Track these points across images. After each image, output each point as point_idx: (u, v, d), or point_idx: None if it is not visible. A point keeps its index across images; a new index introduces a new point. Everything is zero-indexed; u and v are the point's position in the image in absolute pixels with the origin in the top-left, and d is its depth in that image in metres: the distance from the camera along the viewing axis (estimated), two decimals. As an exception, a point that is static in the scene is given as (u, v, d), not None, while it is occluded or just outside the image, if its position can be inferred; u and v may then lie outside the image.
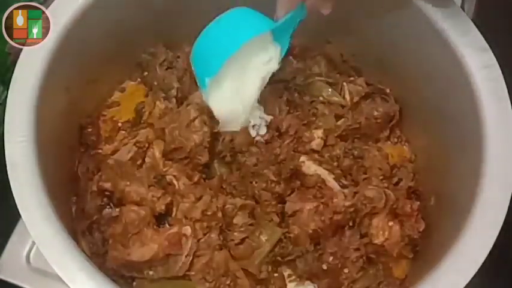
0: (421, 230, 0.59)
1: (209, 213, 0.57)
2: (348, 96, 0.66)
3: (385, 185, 0.60)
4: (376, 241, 0.57)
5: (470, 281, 0.46)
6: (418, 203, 0.60)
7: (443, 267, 0.48)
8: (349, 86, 0.67)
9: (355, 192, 0.58)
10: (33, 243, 0.61)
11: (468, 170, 0.53)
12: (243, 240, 0.58)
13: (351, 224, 0.58)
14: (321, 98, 0.66)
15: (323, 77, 0.68)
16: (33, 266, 0.61)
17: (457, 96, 0.56)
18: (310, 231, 0.57)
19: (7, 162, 0.49)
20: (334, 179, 0.60)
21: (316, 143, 0.62)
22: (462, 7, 0.65)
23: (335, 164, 0.62)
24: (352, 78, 0.69)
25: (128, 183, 0.59)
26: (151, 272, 0.56)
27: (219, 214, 0.57)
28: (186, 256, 0.55)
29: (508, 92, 0.53)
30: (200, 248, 0.56)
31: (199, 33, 0.58)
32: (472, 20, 0.55)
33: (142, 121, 0.68)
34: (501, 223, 0.48)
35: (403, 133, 0.69)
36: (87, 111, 0.67)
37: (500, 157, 0.51)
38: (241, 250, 0.57)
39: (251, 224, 0.58)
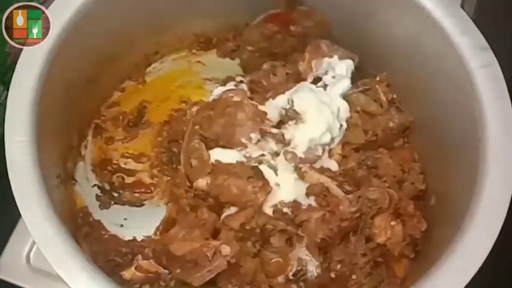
0: (423, 229, 0.58)
1: (247, 227, 0.56)
2: (383, 97, 0.64)
3: (386, 184, 0.59)
4: (378, 240, 0.57)
5: (471, 280, 0.46)
6: (421, 201, 0.60)
7: (444, 267, 0.47)
8: (380, 87, 0.65)
9: (359, 197, 0.57)
10: (33, 243, 0.61)
11: (468, 170, 0.53)
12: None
13: (354, 229, 0.58)
14: (358, 108, 0.64)
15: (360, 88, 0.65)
16: (33, 266, 0.61)
17: (457, 95, 0.56)
18: (319, 241, 0.56)
19: (7, 162, 0.49)
20: (337, 185, 0.58)
21: (335, 159, 0.61)
22: (462, 7, 0.64)
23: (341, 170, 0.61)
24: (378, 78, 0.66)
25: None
26: (178, 270, 0.56)
27: (257, 230, 0.56)
28: (208, 271, 0.54)
29: (508, 91, 0.53)
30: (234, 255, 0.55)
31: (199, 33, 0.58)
32: (472, 19, 0.55)
33: (142, 121, 0.68)
34: (501, 223, 0.48)
35: (403, 133, 0.69)
36: (87, 112, 0.67)
37: (500, 157, 0.50)
38: (272, 267, 0.57)
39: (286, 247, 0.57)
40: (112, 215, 0.65)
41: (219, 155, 0.59)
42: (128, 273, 0.61)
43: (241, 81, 0.65)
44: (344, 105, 0.61)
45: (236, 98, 0.61)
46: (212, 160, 0.59)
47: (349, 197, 0.57)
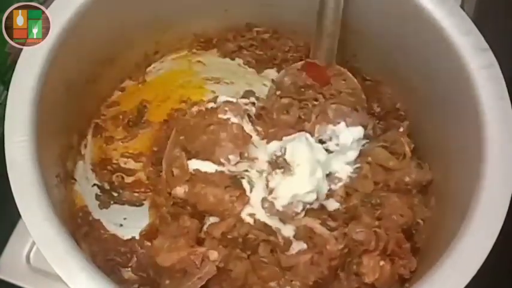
0: (413, 269, 0.56)
1: (229, 236, 0.55)
2: (408, 149, 0.61)
3: (376, 223, 0.57)
4: (366, 280, 0.55)
5: (470, 281, 0.46)
6: (409, 244, 0.58)
7: (443, 267, 0.47)
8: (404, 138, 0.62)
9: (345, 234, 0.56)
10: (33, 243, 0.61)
11: (468, 170, 0.53)
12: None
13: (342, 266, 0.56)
14: (369, 159, 0.61)
15: (381, 142, 0.62)
16: (33, 266, 0.61)
17: (457, 96, 0.56)
18: (311, 283, 0.54)
19: (7, 162, 0.49)
20: (320, 224, 0.56)
21: (336, 200, 0.59)
22: (462, 7, 0.65)
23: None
24: (401, 130, 0.63)
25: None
26: (167, 282, 0.55)
27: (240, 240, 0.55)
28: (198, 278, 0.53)
29: (508, 92, 0.53)
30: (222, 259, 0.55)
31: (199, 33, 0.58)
32: (472, 20, 0.55)
33: (142, 121, 0.68)
34: (501, 223, 0.48)
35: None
36: (87, 111, 0.67)
37: (500, 157, 0.50)
38: (265, 272, 0.56)
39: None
40: (111, 215, 0.65)
41: (198, 165, 0.59)
42: (127, 273, 0.61)
43: (254, 103, 0.64)
44: (344, 170, 0.59)
45: (222, 115, 0.60)
46: (191, 169, 0.58)
47: (335, 234, 0.56)
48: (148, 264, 0.56)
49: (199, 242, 0.57)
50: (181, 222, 0.57)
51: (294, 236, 0.56)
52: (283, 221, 0.57)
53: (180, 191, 0.58)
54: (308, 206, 0.57)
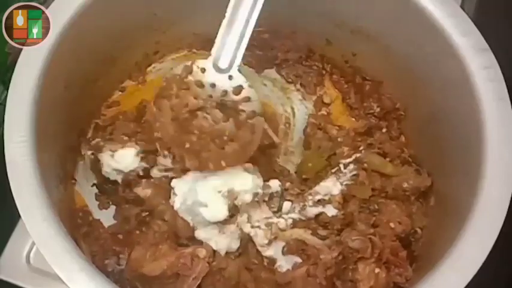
0: (409, 278, 0.56)
1: None
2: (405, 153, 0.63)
3: (371, 231, 0.57)
4: (361, 287, 0.55)
5: (471, 281, 0.46)
6: (405, 252, 0.58)
7: (443, 267, 0.48)
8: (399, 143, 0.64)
9: (339, 242, 0.56)
10: (33, 243, 0.61)
11: (468, 170, 0.53)
12: None
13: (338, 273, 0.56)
14: (365, 165, 0.62)
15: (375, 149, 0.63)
16: (33, 266, 0.61)
17: (457, 96, 0.56)
18: None
19: (7, 163, 0.49)
20: (311, 234, 0.57)
21: (334, 207, 0.59)
22: (462, 7, 0.64)
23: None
24: (384, 131, 0.66)
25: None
26: None
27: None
28: (193, 279, 0.53)
29: (508, 92, 0.53)
30: (215, 259, 0.55)
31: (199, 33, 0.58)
32: (472, 20, 0.55)
33: (142, 121, 0.68)
34: (501, 223, 0.48)
35: (404, 133, 0.69)
36: (87, 111, 0.67)
37: (500, 157, 0.51)
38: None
39: None
40: (111, 215, 0.65)
41: None
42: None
43: None
44: (337, 186, 0.60)
45: None
46: None
47: (327, 242, 0.56)
48: (133, 278, 0.56)
49: (180, 243, 0.57)
50: (156, 229, 0.57)
51: (284, 252, 0.57)
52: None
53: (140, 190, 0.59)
54: (296, 217, 0.57)
